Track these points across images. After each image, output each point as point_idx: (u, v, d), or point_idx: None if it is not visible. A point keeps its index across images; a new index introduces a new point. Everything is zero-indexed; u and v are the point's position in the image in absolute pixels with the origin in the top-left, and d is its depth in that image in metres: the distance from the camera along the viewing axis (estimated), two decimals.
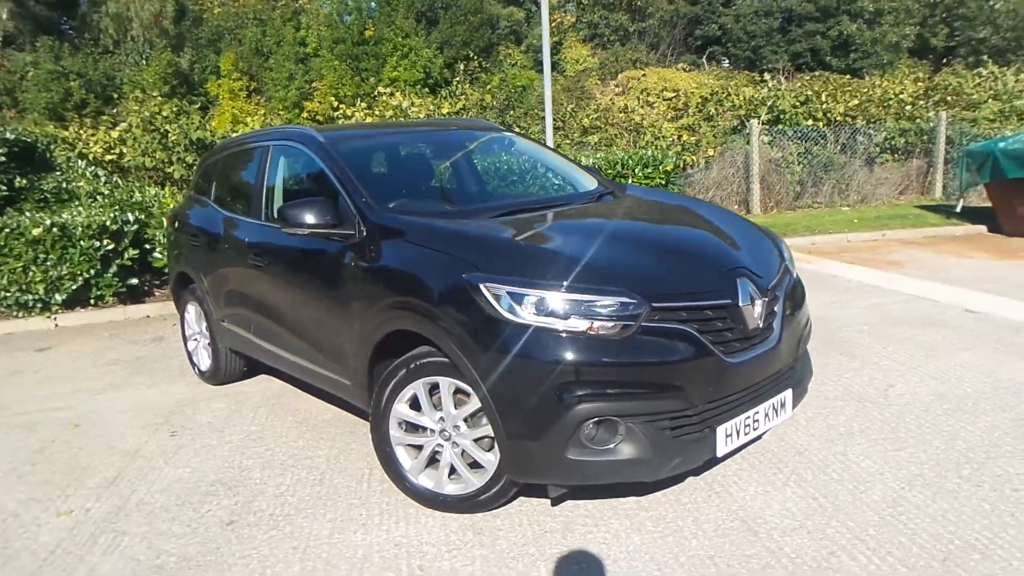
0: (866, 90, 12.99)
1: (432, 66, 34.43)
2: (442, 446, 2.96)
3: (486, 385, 2.62)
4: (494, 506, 2.95)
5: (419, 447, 3.03)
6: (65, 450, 3.98)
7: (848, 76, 21.92)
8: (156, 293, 8.01)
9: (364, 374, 3.21)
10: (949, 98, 12.72)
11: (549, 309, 2.55)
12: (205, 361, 4.94)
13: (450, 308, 2.72)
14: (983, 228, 9.56)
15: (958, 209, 10.05)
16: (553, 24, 41.68)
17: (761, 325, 2.83)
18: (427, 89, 30.19)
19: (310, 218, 3.22)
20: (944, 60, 35.54)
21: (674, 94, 17.86)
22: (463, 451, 2.92)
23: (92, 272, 7.05)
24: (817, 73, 17.54)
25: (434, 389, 2.94)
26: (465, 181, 4.10)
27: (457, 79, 15.84)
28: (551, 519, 2.91)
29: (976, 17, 37.30)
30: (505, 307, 2.58)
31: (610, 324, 2.54)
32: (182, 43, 32.73)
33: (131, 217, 7.47)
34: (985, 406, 3.76)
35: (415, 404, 3.00)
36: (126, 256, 7.32)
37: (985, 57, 19.70)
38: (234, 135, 5.78)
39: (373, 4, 33.94)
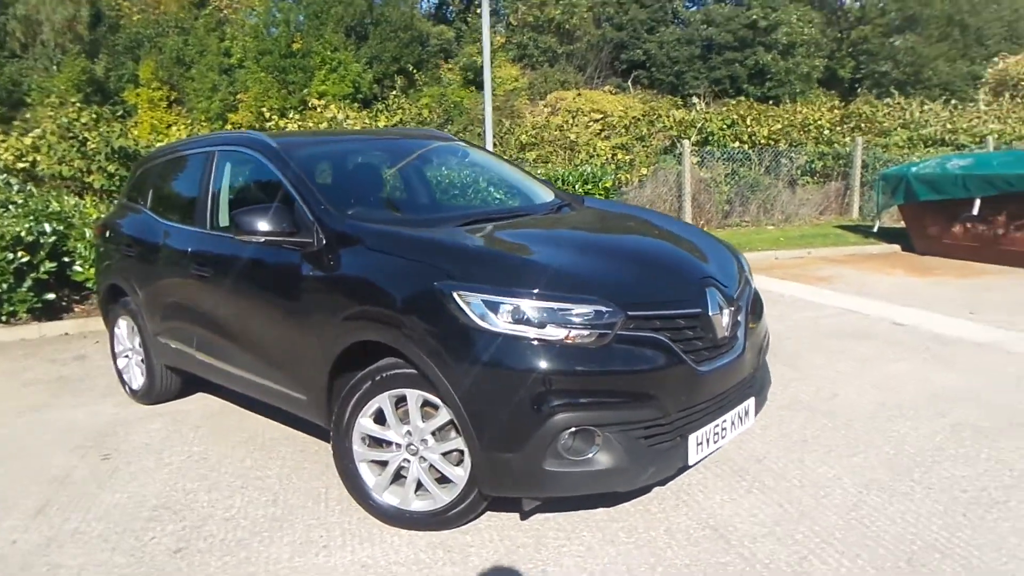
0: (788, 115, 13.58)
1: (361, 81, 34.10)
2: (408, 461, 2.86)
3: (460, 397, 2.55)
4: (463, 522, 2.87)
5: (383, 463, 2.92)
6: None
7: (769, 102, 22.94)
8: (75, 309, 7.56)
9: (323, 388, 3.08)
10: (863, 125, 13.45)
11: (525, 317, 2.51)
12: (138, 379, 4.66)
13: (420, 317, 2.64)
14: (897, 247, 10.08)
15: (875, 229, 10.57)
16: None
17: (728, 334, 2.87)
18: (356, 104, 29.90)
19: (266, 225, 3.09)
20: (853, 90, 37.72)
21: (601, 115, 18.23)
22: (430, 466, 2.83)
23: (4, 286, 6.60)
24: (740, 99, 18.22)
25: (400, 402, 2.85)
26: (424, 190, 4.02)
27: (394, 93, 15.68)
28: (522, 534, 2.85)
29: (879, 52, 39.80)
30: (479, 315, 2.53)
31: (586, 332, 2.52)
32: (97, 49, 31.35)
33: (48, 228, 7.04)
34: (924, 413, 3.92)
35: (379, 418, 2.90)
36: (42, 269, 6.88)
37: (893, 90, 20.98)
38: (172, 140, 5.53)
39: (302, 17, 33.45)
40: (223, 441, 3.97)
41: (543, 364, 2.48)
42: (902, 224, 10.39)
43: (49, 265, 6.94)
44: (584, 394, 2.52)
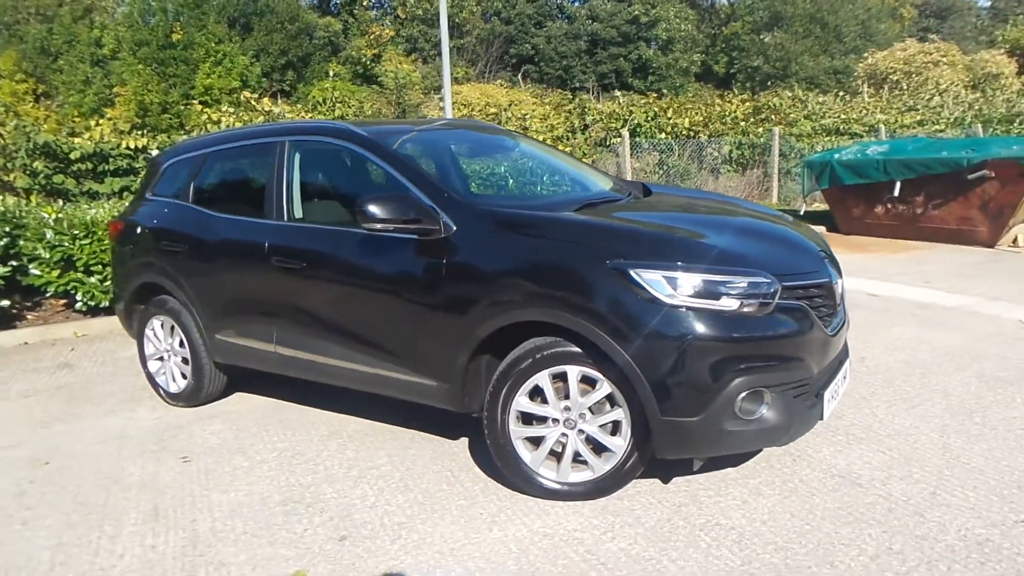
0: (707, 108, 14.38)
1: (249, 74, 32.76)
2: (566, 435, 2.98)
3: (640, 368, 2.70)
4: (617, 489, 3.03)
5: (537, 439, 3.03)
6: (58, 489, 3.44)
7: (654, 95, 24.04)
8: (28, 316, 7.01)
9: (460, 372, 3.14)
10: (772, 116, 14.47)
11: (702, 291, 2.70)
12: (177, 381, 4.45)
13: (593, 295, 2.77)
14: (823, 228, 10.94)
15: (802, 212, 11.43)
16: (371, 37, 41.43)
17: (839, 303, 3.19)
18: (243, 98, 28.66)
19: (393, 213, 3.11)
20: (727, 84, 40.15)
21: (496, 108, 18.52)
22: (587, 438, 2.97)
23: None
24: (653, 96, 19.00)
25: (556, 378, 2.96)
26: (513, 178, 4.09)
27: (330, 84, 15.24)
28: (674, 495, 3.04)
29: (750, 48, 42.63)
30: (661, 291, 2.69)
31: (754, 302, 2.75)
32: None
33: None
34: (946, 368, 4.43)
35: (533, 395, 3.00)
36: None
37: (795, 85, 22.51)
38: (213, 132, 5.28)
39: (169, 6, 31.55)
40: (305, 436, 3.90)
41: (721, 333, 2.69)
42: (823, 207, 11.31)
43: (3, 269, 6.41)
44: (754, 359, 2.74)
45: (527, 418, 3.03)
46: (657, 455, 2.83)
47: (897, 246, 9.17)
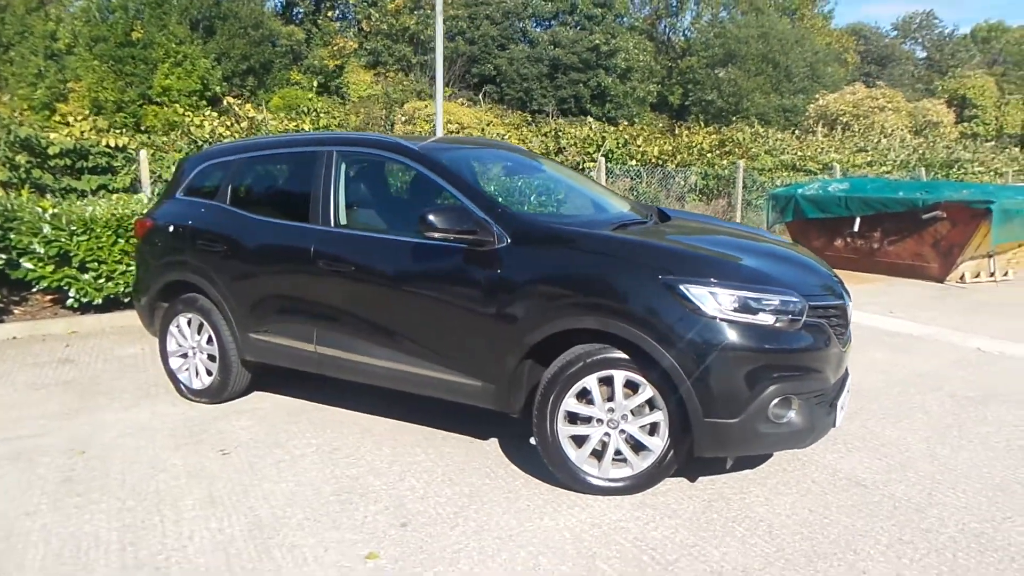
0: (676, 138, 14.99)
1: (211, 78, 32.39)
2: (609, 435, 3.25)
3: (687, 373, 3.00)
4: (653, 485, 3.31)
5: (581, 437, 3.29)
6: (102, 476, 3.55)
7: (610, 122, 24.76)
8: (15, 311, 6.93)
9: (509, 375, 3.38)
10: (735, 150, 15.16)
11: (743, 306, 3.03)
12: (201, 378, 4.56)
13: (644, 306, 3.06)
14: None
15: None
16: (335, 48, 41.34)
17: (848, 322, 3.56)
18: (204, 102, 28.51)
19: (451, 224, 3.36)
20: (682, 115, 41.51)
21: (458, 127, 18.88)
22: (627, 437, 3.25)
23: None
24: (624, 123, 19.59)
25: (602, 382, 3.23)
26: (550, 196, 4.37)
27: (310, 96, 15.26)
28: (703, 492, 3.34)
29: (705, 82, 44.18)
30: (707, 305, 3.01)
31: (787, 318, 3.08)
32: None
33: None
34: (921, 388, 4.88)
35: (580, 397, 3.27)
36: None
37: (754, 121, 23.46)
38: (252, 137, 5.40)
39: (130, 3, 31.03)
40: (338, 433, 4.06)
41: (757, 344, 3.02)
42: (785, 238, 11.92)
43: None
44: (785, 368, 3.08)
45: (573, 418, 3.29)
46: (696, 453, 3.13)
47: (856, 278, 9.76)
